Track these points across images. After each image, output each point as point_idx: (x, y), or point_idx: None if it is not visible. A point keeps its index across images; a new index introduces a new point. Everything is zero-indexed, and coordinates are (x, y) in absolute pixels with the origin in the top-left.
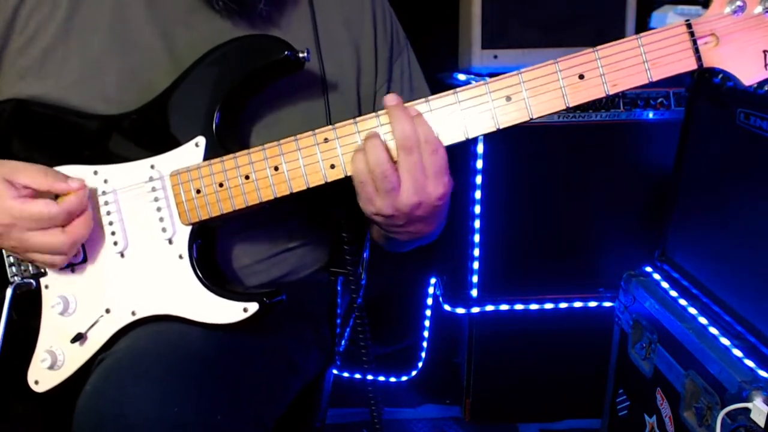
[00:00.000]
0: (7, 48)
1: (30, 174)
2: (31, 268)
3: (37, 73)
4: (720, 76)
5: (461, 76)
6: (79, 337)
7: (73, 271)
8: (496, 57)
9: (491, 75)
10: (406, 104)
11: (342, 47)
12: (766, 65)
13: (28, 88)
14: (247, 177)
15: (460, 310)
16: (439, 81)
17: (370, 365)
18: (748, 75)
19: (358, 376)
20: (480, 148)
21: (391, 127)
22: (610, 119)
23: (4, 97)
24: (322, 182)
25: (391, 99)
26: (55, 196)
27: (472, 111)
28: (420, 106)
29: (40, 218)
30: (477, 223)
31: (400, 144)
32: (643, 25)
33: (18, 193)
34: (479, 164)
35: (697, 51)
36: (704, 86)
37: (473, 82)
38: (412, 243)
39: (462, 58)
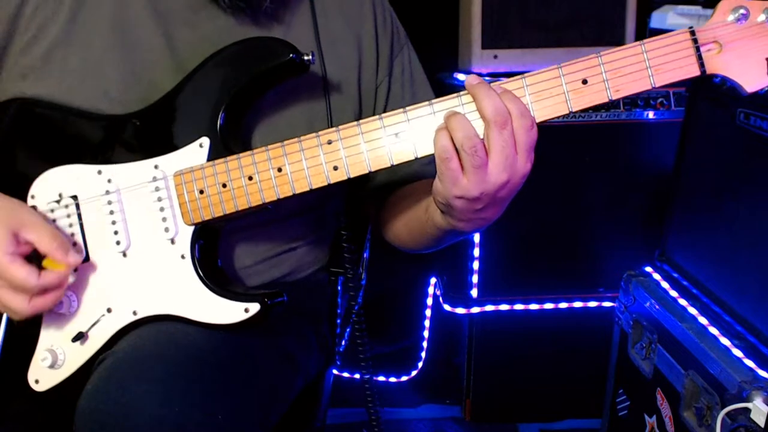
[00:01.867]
0: (10, 47)
1: (39, 233)
2: None
3: (39, 72)
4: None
5: (461, 76)
6: (80, 337)
7: (75, 270)
8: (496, 57)
9: (491, 75)
10: (492, 84)
11: (342, 44)
12: None
13: (31, 88)
14: (250, 178)
15: (460, 310)
16: (440, 81)
17: (367, 364)
18: (751, 82)
19: (358, 376)
20: None
21: (478, 105)
22: (610, 119)
23: (6, 96)
24: (325, 184)
25: (472, 79)
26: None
27: (475, 114)
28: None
29: (17, 283)
30: None
31: (492, 119)
32: (643, 26)
33: (15, 250)
34: None
35: (700, 58)
36: (704, 86)
37: None
38: (464, 235)
39: (462, 58)
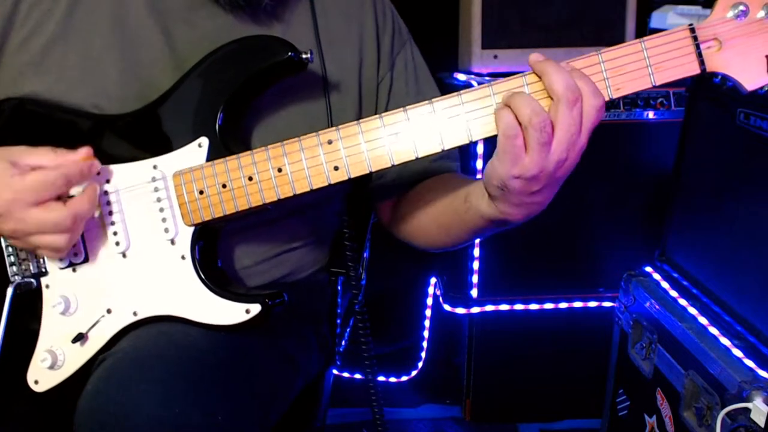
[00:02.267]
0: (7, 43)
1: (36, 153)
2: (32, 267)
3: (36, 69)
4: (720, 76)
5: (461, 76)
6: (80, 337)
7: (74, 270)
8: (496, 57)
9: (491, 75)
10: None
11: (343, 42)
12: None
13: (28, 84)
14: (250, 178)
15: (460, 310)
16: (440, 81)
17: (371, 365)
18: (751, 80)
19: (358, 376)
20: (480, 148)
21: (546, 81)
22: (610, 119)
23: (4, 93)
24: (326, 184)
25: (538, 56)
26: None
27: (476, 113)
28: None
29: (40, 187)
30: None
31: (563, 96)
32: (643, 25)
33: (20, 171)
34: (479, 164)
35: (700, 56)
36: (704, 86)
37: (473, 82)
38: (507, 226)
39: (462, 58)
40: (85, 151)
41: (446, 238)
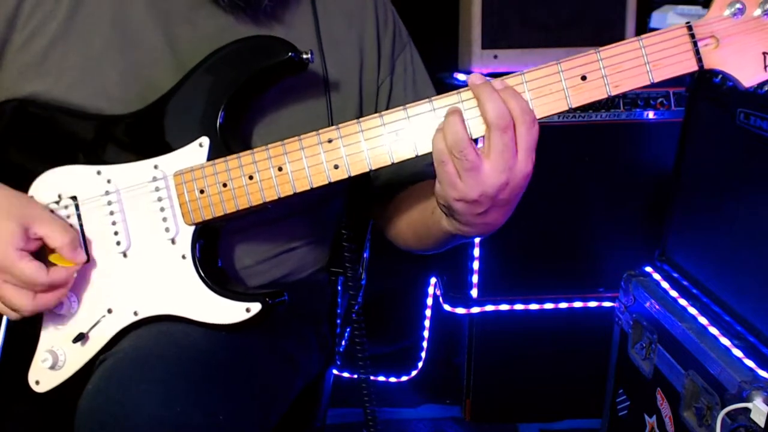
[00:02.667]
0: (9, 44)
1: (51, 228)
2: None
3: (38, 69)
4: (720, 76)
5: (461, 76)
6: (81, 337)
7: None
8: (496, 57)
9: (491, 75)
10: (492, 80)
11: (344, 44)
12: (765, 67)
13: (30, 85)
14: (250, 177)
15: (460, 310)
16: (440, 81)
17: (365, 364)
18: (748, 77)
19: (357, 376)
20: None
21: (481, 107)
22: (610, 119)
23: (5, 94)
24: (326, 182)
25: (476, 78)
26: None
27: (475, 111)
28: (450, 98)
29: (24, 280)
30: None
31: (494, 123)
32: (643, 25)
33: (24, 246)
34: None
35: (697, 53)
36: (704, 86)
37: None
38: (470, 239)
39: (462, 58)
40: (81, 260)
41: (419, 245)
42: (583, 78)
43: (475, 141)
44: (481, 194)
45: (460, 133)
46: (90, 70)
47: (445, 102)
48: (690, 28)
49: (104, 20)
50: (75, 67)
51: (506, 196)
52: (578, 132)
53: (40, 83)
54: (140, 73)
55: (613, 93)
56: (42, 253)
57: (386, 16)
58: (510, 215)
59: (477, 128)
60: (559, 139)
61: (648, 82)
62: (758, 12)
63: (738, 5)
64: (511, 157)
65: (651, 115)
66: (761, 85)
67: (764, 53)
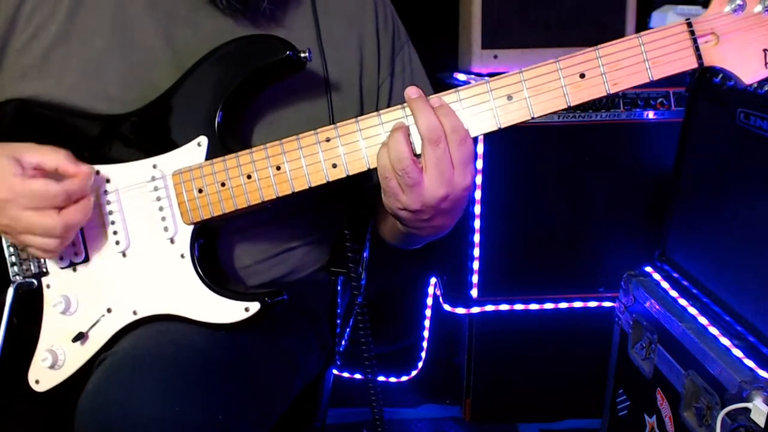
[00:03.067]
0: (9, 46)
1: (41, 152)
2: (32, 267)
3: (38, 72)
4: (720, 76)
5: (461, 76)
6: (81, 337)
7: (74, 270)
8: (496, 57)
9: (491, 75)
10: (431, 96)
11: (344, 44)
12: (766, 63)
13: (30, 87)
14: (249, 176)
15: (460, 310)
16: (440, 81)
17: (371, 364)
18: (748, 73)
19: (358, 376)
20: (480, 148)
21: (415, 121)
22: (610, 119)
23: (5, 95)
24: (324, 182)
25: (413, 92)
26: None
27: (474, 110)
28: (448, 96)
29: (39, 195)
30: (477, 223)
31: (426, 136)
32: (643, 25)
33: (22, 171)
34: (479, 164)
35: (697, 50)
36: (704, 86)
37: (473, 82)
38: (428, 239)
39: (462, 58)
40: (86, 169)
41: (396, 243)
42: (582, 76)
43: (475, 143)
44: (423, 205)
45: (403, 151)
46: (90, 72)
47: (444, 100)
48: (690, 24)
49: (104, 22)
50: (75, 69)
51: (448, 206)
52: (578, 132)
53: (40, 85)
54: (140, 74)
55: (612, 91)
56: None
57: (386, 16)
58: (459, 217)
59: (483, 124)
60: (559, 139)
61: (647, 80)
62: (759, 8)
63: (738, 1)
64: (447, 170)
65: (651, 115)
66: (761, 84)
67: (765, 50)
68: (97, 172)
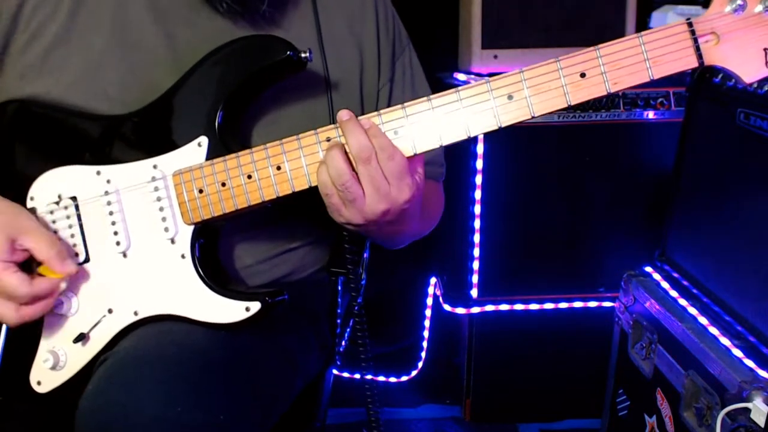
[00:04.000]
0: (10, 46)
1: (37, 241)
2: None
3: (38, 71)
4: (720, 76)
5: (461, 76)
6: (82, 338)
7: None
8: (496, 57)
9: (491, 75)
10: (360, 117)
11: (345, 46)
12: (766, 63)
13: (30, 87)
14: (249, 176)
15: (460, 310)
16: (440, 81)
17: (368, 365)
18: (749, 73)
19: (358, 376)
20: (480, 148)
21: (346, 141)
22: (610, 119)
23: (6, 95)
24: None
25: (343, 114)
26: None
27: (474, 109)
28: (448, 96)
29: (7, 291)
30: (477, 223)
31: (356, 155)
32: (643, 26)
33: (9, 258)
34: (479, 164)
35: (698, 49)
36: (704, 86)
37: (473, 82)
38: (400, 240)
39: (462, 58)
40: (70, 270)
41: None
42: (582, 75)
43: (475, 143)
44: (365, 220)
45: (342, 167)
46: (90, 72)
47: (443, 101)
48: (690, 24)
49: (104, 22)
50: (75, 69)
51: (392, 218)
52: (578, 132)
53: (40, 85)
54: (140, 74)
55: (613, 90)
56: (32, 264)
57: (387, 17)
58: (414, 222)
59: (484, 123)
60: (559, 139)
61: (648, 79)
62: (759, 8)
63: (739, 1)
64: (383, 185)
65: (651, 115)
66: (761, 84)
67: (765, 49)
68: (98, 173)
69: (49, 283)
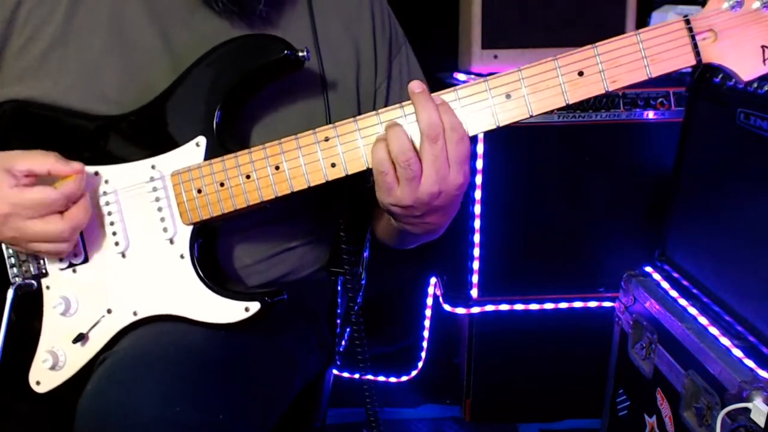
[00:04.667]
0: (6, 49)
1: (30, 159)
2: (32, 268)
3: (35, 74)
4: (720, 75)
5: (461, 76)
6: (81, 338)
7: (74, 271)
8: (496, 57)
9: (491, 75)
10: (433, 94)
11: (341, 46)
12: (764, 60)
13: (27, 89)
14: (248, 176)
15: (460, 310)
16: (440, 81)
17: (365, 365)
18: (747, 70)
19: (358, 376)
20: (480, 148)
21: (416, 115)
22: (610, 119)
23: (3, 97)
24: (323, 181)
25: (416, 86)
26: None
27: (473, 108)
28: (447, 95)
29: (39, 204)
30: (477, 223)
31: (425, 132)
32: (642, 26)
33: (17, 182)
34: (479, 164)
35: (695, 47)
36: (704, 86)
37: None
38: (422, 237)
39: (462, 58)
40: (78, 167)
41: (391, 242)
42: (580, 73)
43: (475, 143)
44: (415, 201)
45: (406, 143)
46: (88, 73)
47: (442, 99)
48: (688, 21)
49: (101, 23)
50: (73, 71)
51: (440, 204)
52: (578, 132)
53: (38, 87)
54: (137, 75)
55: (611, 89)
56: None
57: (383, 17)
58: (452, 217)
59: (482, 123)
60: (559, 139)
61: (645, 77)
62: (757, 5)
63: None
64: (443, 167)
65: (651, 115)
66: (761, 84)
67: (763, 46)
68: (96, 173)
69: (72, 182)
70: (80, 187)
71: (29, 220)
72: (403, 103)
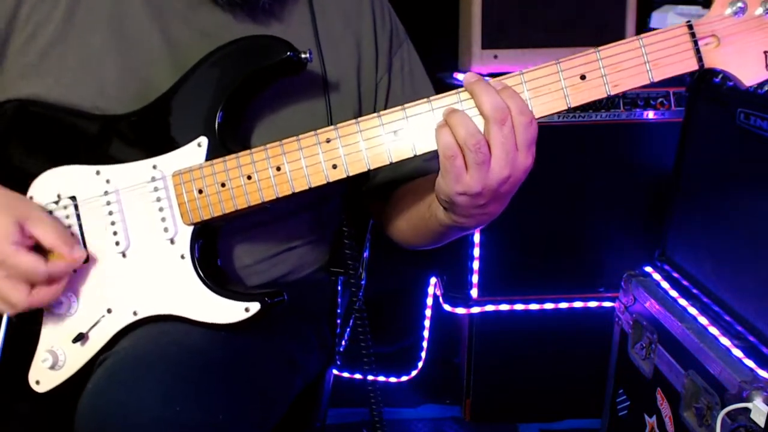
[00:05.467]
0: (8, 47)
1: (44, 228)
2: None
3: (37, 71)
4: (720, 75)
5: (461, 76)
6: (81, 337)
7: (74, 270)
8: (496, 57)
9: (491, 75)
10: (491, 80)
11: (341, 42)
12: (767, 66)
13: (29, 87)
14: (249, 177)
15: (460, 310)
16: (439, 81)
17: (370, 365)
18: (749, 76)
19: (358, 376)
20: None
21: (477, 103)
22: (610, 119)
23: (5, 95)
24: (324, 182)
25: (471, 76)
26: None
27: (475, 111)
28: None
29: (23, 271)
30: None
31: (491, 116)
32: (643, 26)
33: (20, 240)
34: None
35: (698, 52)
36: (704, 86)
37: None
38: (465, 232)
39: (462, 58)
40: (78, 256)
41: (417, 240)
42: (583, 77)
43: None
44: (484, 187)
45: (473, 126)
46: (88, 71)
47: (443, 102)
48: (690, 27)
49: (102, 20)
50: (73, 68)
51: (507, 189)
52: (578, 132)
53: (39, 84)
54: (138, 72)
55: (613, 93)
56: (41, 253)
57: (383, 14)
58: (506, 206)
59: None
60: (559, 139)
61: (648, 81)
62: (760, 11)
63: (739, 4)
64: (512, 150)
65: (651, 115)
66: (761, 85)
67: (765, 52)
68: (97, 172)
69: (65, 264)
70: (67, 273)
71: (4, 278)
72: (405, 105)
